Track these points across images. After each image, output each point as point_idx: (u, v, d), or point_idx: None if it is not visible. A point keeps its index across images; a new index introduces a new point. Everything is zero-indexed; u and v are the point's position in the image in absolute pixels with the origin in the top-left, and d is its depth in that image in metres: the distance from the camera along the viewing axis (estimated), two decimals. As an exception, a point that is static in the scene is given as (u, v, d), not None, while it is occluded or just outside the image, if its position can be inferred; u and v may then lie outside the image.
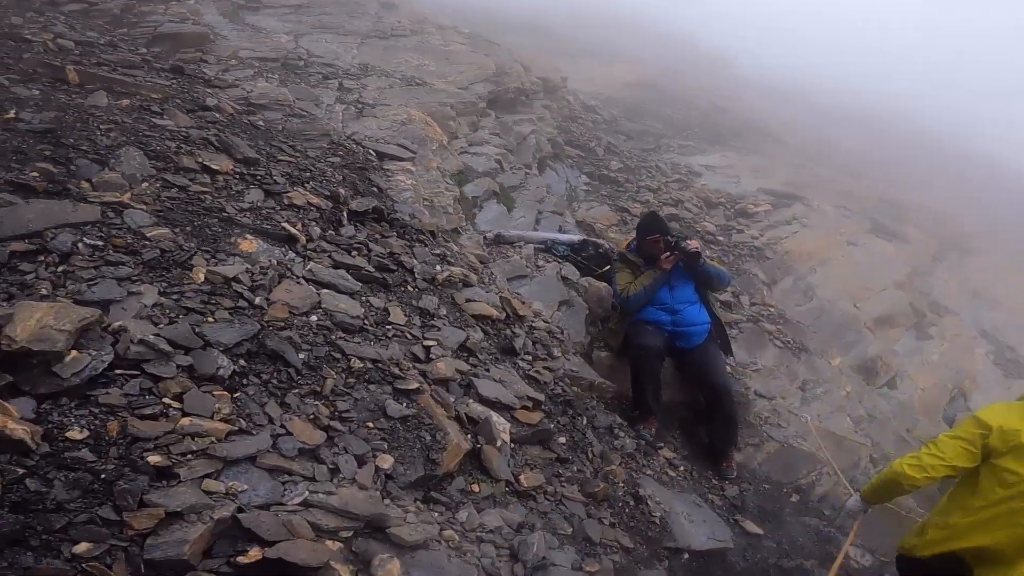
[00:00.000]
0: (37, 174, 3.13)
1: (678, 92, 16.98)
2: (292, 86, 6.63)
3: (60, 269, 2.70)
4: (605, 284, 5.50)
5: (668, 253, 4.85)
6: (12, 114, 3.55)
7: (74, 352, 2.28)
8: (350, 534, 2.23)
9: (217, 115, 4.74)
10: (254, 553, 2.00)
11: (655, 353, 4.70)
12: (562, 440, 3.68)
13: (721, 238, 8.80)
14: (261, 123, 5.08)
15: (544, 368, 4.15)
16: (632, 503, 3.73)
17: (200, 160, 3.92)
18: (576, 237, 6.47)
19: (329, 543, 2.15)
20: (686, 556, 3.74)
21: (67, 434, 2.06)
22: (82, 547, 1.85)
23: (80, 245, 2.83)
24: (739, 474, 4.97)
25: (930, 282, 10.08)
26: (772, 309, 7.50)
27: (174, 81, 5.19)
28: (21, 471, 1.91)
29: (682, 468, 4.55)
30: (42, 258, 2.71)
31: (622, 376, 4.91)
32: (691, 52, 23.40)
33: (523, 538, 2.75)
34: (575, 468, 3.56)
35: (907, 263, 9.98)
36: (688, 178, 10.64)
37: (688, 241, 4.91)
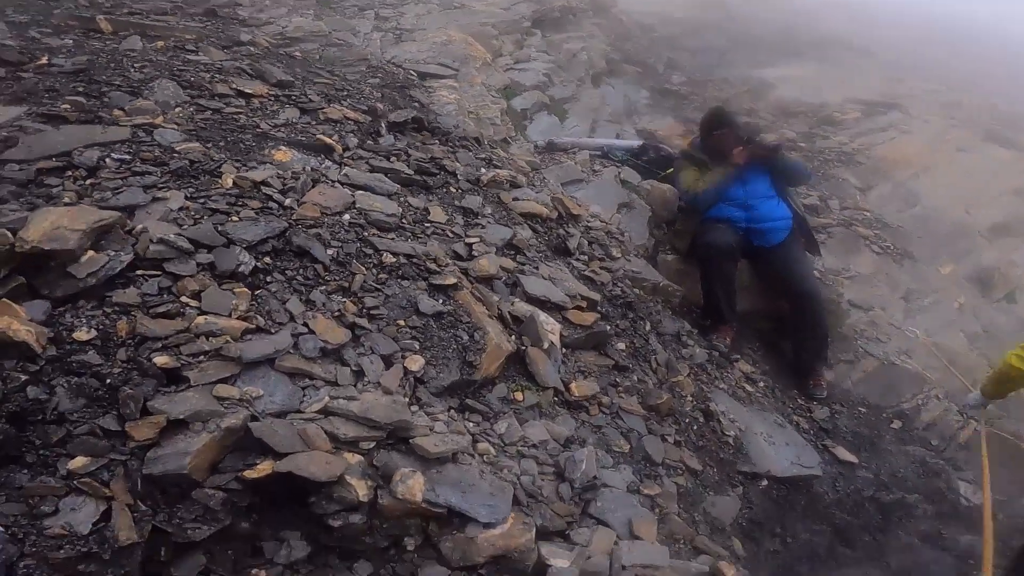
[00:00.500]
0: (68, 106, 3.11)
1: (746, 10, 15.68)
2: (328, 19, 6.54)
3: (87, 182, 2.66)
4: (670, 186, 5.13)
5: (740, 147, 4.45)
6: (44, 59, 3.54)
7: (91, 252, 2.23)
8: (371, 445, 2.08)
9: (252, 48, 4.67)
10: (263, 467, 1.88)
11: (727, 252, 4.34)
12: (621, 346, 3.42)
13: (803, 144, 8.13)
14: (298, 54, 4.98)
15: (601, 268, 3.86)
16: (701, 419, 3.45)
17: (234, 86, 3.87)
18: (635, 142, 6.09)
19: (348, 455, 2.00)
20: (764, 483, 3.46)
21: (74, 335, 2.00)
22: (78, 462, 1.78)
23: (107, 160, 2.79)
24: (830, 394, 4.58)
25: None
26: (867, 213, 6.87)
27: (208, 23, 5.16)
28: (24, 377, 1.86)
29: (762, 384, 4.23)
30: (69, 173, 2.67)
31: (692, 281, 4.59)
32: None
33: (571, 454, 2.52)
34: (635, 378, 3.29)
35: None
36: (761, 89, 9.91)
37: (764, 134, 4.49)
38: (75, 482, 1.77)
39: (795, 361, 4.62)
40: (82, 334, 2.01)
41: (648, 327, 3.78)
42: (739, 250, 4.44)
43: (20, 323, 1.93)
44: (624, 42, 10.69)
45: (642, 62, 9.89)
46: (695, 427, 3.37)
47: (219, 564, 1.92)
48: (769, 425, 3.80)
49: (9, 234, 2.12)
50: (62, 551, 1.69)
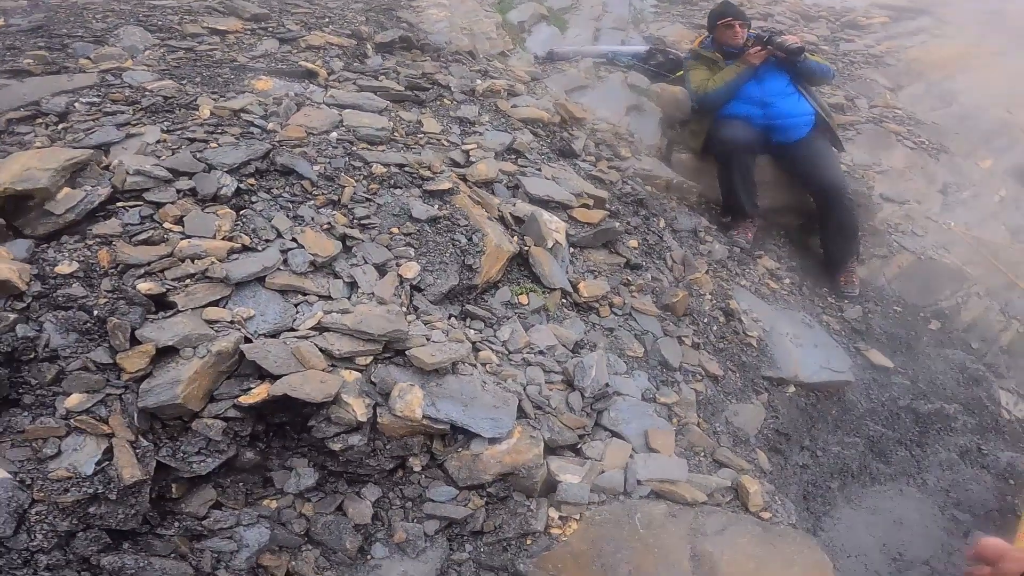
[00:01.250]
0: (31, 60, 3.09)
1: None
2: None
3: (59, 127, 2.67)
4: (681, 87, 4.96)
5: (758, 47, 4.25)
6: (1, 21, 3.51)
7: (67, 189, 2.24)
8: (368, 360, 2.06)
9: (220, -13, 4.53)
10: (258, 391, 1.88)
11: (744, 146, 4.21)
12: (633, 243, 3.34)
13: (826, 47, 7.77)
14: (272, -13, 4.82)
15: (610, 167, 3.78)
16: (722, 319, 3.34)
17: (206, 25, 3.82)
18: (642, 47, 5.87)
19: (344, 372, 1.99)
20: (792, 389, 3.33)
21: (56, 269, 2.01)
22: (73, 400, 1.79)
23: (77, 104, 2.79)
24: (863, 292, 4.41)
25: None
26: (899, 111, 6.58)
27: None
28: (12, 316, 1.87)
29: (788, 281, 4.11)
30: (39, 120, 2.69)
31: (708, 179, 4.46)
32: None
33: (580, 360, 2.47)
34: (649, 276, 3.21)
35: None
36: None
37: (785, 36, 4.29)
38: (73, 421, 1.78)
39: (824, 257, 4.49)
40: (64, 267, 2.02)
41: (662, 224, 3.70)
42: (757, 144, 4.30)
43: (2, 262, 1.95)
44: (623, -55, 10.28)
45: (644, -32, 9.48)
46: (715, 328, 3.27)
47: (230, 497, 1.95)
48: (796, 325, 3.67)
49: (-18, 180, 2.13)
50: (69, 494, 1.71)
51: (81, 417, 1.80)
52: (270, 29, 3.96)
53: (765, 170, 4.50)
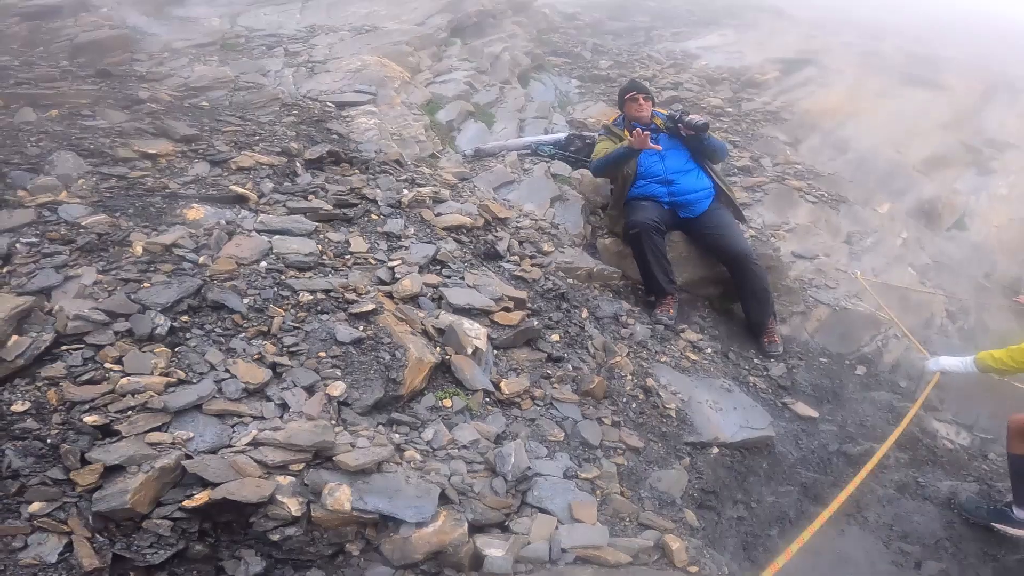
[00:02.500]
0: None
1: None
2: (234, 63, 6.88)
3: (3, 270, 2.95)
4: None
5: (640, 131, 4.82)
6: None
7: (15, 337, 2.55)
8: (300, 467, 2.39)
9: (154, 105, 4.95)
10: (200, 496, 2.20)
11: (651, 227, 4.70)
12: (555, 338, 3.74)
13: (730, 109, 8.70)
14: (205, 103, 5.28)
15: (532, 265, 4.21)
16: (642, 396, 3.74)
17: (137, 148, 4.15)
18: (561, 135, 6.50)
19: (279, 478, 2.32)
20: (715, 450, 3.68)
21: (12, 408, 2.33)
22: (35, 506, 2.12)
23: (17, 245, 3.10)
24: (787, 349, 4.88)
25: (981, 122, 9.70)
26: (798, 166, 7.37)
27: (103, 84, 5.43)
28: None
29: (709, 350, 4.54)
30: (-15, 264, 2.97)
31: (632, 261, 4.92)
32: None
33: (499, 449, 2.81)
34: (570, 366, 3.61)
35: (950, 107, 9.73)
36: (685, 61, 10.74)
37: (692, 116, 4.90)
38: (36, 522, 2.11)
39: (747, 321, 4.98)
40: (18, 407, 2.35)
41: (584, 314, 4.11)
42: (664, 224, 4.80)
43: None
44: (550, 34, 11.31)
45: (569, 52, 10.47)
46: (634, 405, 3.65)
47: (186, 585, 2.23)
48: (715, 391, 4.08)
49: (-65, 332, 2.42)
50: (36, 579, 2.01)
51: (43, 519, 2.12)
52: (200, 151, 4.31)
53: (679, 247, 5.01)
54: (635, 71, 9.76)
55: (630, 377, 3.83)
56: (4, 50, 6.58)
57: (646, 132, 4.78)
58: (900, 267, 6.29)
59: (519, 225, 4.71)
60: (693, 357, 4.38)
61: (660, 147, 4.85)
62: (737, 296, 5.01)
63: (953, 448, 4.37)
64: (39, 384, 2.45)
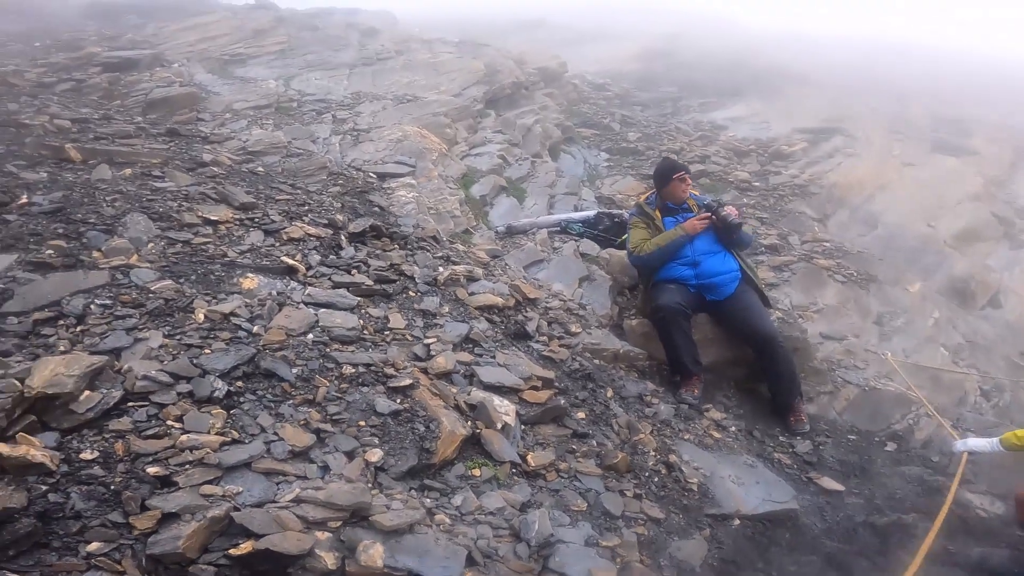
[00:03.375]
0: (52, 251, 3.81)
1: (688, 56, 17.50)
2: (287, 128, 7.40)
3: (78, 329, 3.29)
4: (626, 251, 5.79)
5: (704, 216, 5.06)
6: (25, 199, 4.29)
7: (87, 392, 2.85)
8: (338, 524, 2.61)
9: (216, 169, 5.43)
10: (245, 546, 2.42)
11: (677, 310, 4.90)
12: (580, 415, 3.96)
13: (758, 183, 9.01)
14: (260, 169, 5.74)
15: (560, 346, 4.48)
16: (664, 471, 3.91)
17: (201, 214, 4.57)
18: (590, 213, 6.84)
19: (318, 533, 2.53)
20: (736, 522, 3.80)
21: (81, 456, 2.60)
22: (94, 546, 2.33)
23: (92, 306, 3.44)
24: (814, 427, 5.01)
25: (1013, 190, 9.87)
26: (827, 244, 7.55)
27: (171, 143, 5.96)
28: (45, 487, 2.44)
29: (733, 428, 4.70)
30: (61, 322, 3.31)
31: (658, 342, 5.13)
32: (692, 18, 24.00)
33: (524, 516, 3.01)
34: (595, 442, 3.81)
35: (980, 174, 9.88)
36: (712, 133, 11.09)
37: (727, 208, 5.11)
38: (93, 560, 2.31)
39: (772, 401, 5.13)
40: (87, 455, 2.61)
41: (609, 393, 4.34)
42: (691, 306, 5.03)
43: (36, 450, 2.53)
44: (580, 105, 11.92)
45: (598, 123, 11.00)
46: (656, 479, 3.83)
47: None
48: (738, 467, 4.23)
49: (17, 383, 2.73)
50: (91, 613, 2.22)
51: (100, 558, 2.32)
52: (256, 220, 4.72)
53: (705, 328, 5.22)
54: (663, 143, 10.17)
55: (653, 453, 4.01)
56: (86, 102, 7.26)
57: (703, 220, 5.04)
58: (932, 347, 6.41)
59: (548, 306, 5.00)
60: (717, 435, 4.54)
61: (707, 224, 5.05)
62: (763, 376, 5.18)
63: (986, 517, 4.38)
64: (106, 436, 2.72)
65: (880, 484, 4.56)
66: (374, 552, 2.53)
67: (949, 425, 5.13)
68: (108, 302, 3.49)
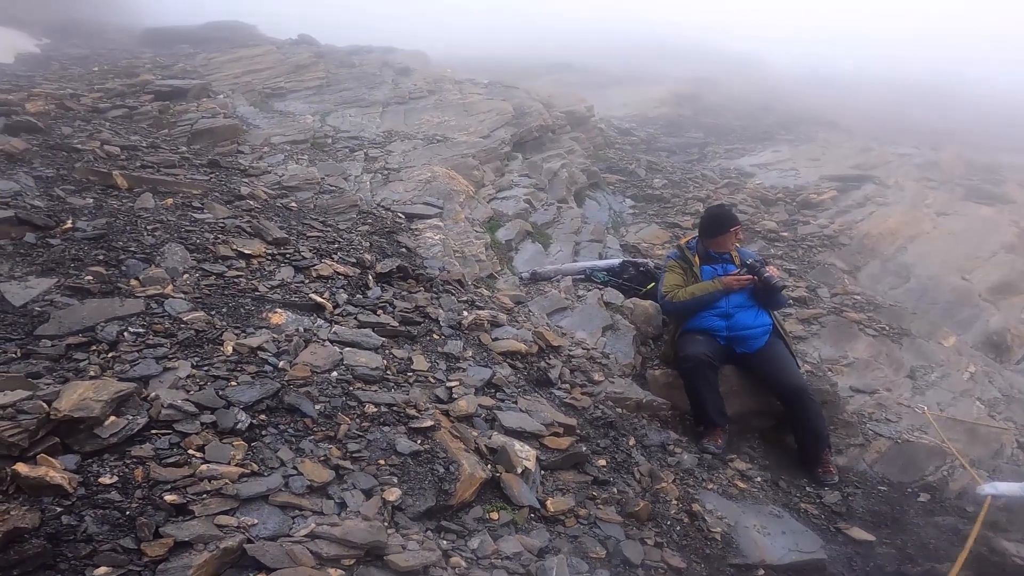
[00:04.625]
0: (91, 277, 3.88)
1: (715, 100, 17.54)
2: (320, 164, 7.54)
3: (109, 355, 3.33)
4: (652, 302, 5.75)
5: (747, 276, 5.00)
6: (70, 223, 4.40)
7: (113, 417, 2.86)
8: (352, 562, 2.56)
9: (252, 203, 5.53)
10: None
11: (705, 362, 4.84)
12: (601, 462, 3.89)
13: (786, 233, 8.93)
14: (293, 204, 5.84)
15: (582, 394, 4.44)
16: (687, 519, 3.83)
17: (235, 247, 4.64)
18: (615, 261, 6.81)
19: (331, 570, 2.48)
20: (761, 572, 3.73)
21: (99, 480, 2.59)
22: (101, 570, 2.30)
23: (125, 334, 3.48)
24: (844, 478, 4.91)
25: None
26: (857, 297, 7.43)
27: (212, 175, 6.11)
28: (59, 509, 2.44)
29: (759, 479, 4.61)
30: (93, 347, 3.36)
31: (682, 393, 5.06)
32: (721, 60, 24.29)
33: (542, 563, 2.94)
34: (615, 490, 3.74)
35: (1015, 224, 9.65)
36: (739, 180, 11.05)
37: (770, 269, 5.05)
38: None
39: (799, 452, 5.02)
40: (106, 479, 2.61)
41: (632, 442, 4.28)
42: (718, 358, 4.96)
43: (55, 471, 2.53)
44: (606, 150, 12.00)
45: (623, 168, 11.04)
46: (678, 528, 3.75)
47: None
48: (763, 517, 4.13)
49: (45, 405, 2.76)
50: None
51: None
52: (287, 256, 4.79)
53: (731, 380, 5.14)
54: (689, 191, 10.16)
55: (675, 502, 3.93)
56: (136, 129, 7.48)
57: (744, 280, 5.00)
58: (968, 401, 6.24)
59: (571, 353, 4.97)
60: (742, 485, 4.45)
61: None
62: (789, 428, 5.07)
63: (1023, 564, 4.21)
64: (127, 461, 2.71)
65: (912, 534, 4.45)
66: (387, 591, 2.49)
67: (975, 471, 5.02)
68: (141, 330, 3.53)
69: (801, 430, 4.94)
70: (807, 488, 4.76)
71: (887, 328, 6.93)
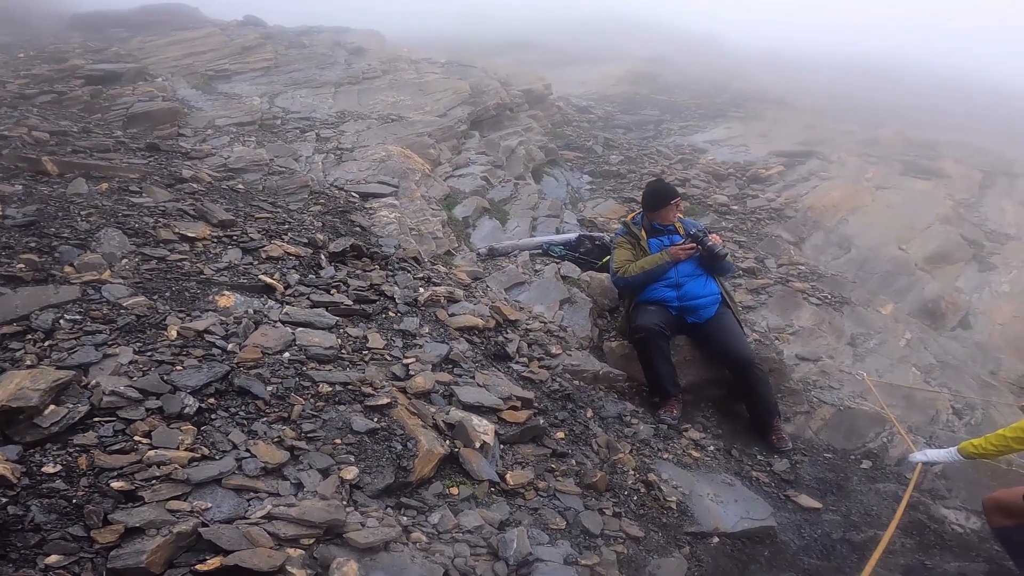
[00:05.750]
0: (23, 265, 3.68)
1: (671, 78, 17.84)
2: (269, 145, 7.31)
3: (45, 344, 3.17)
4: (608, 275, 5.76)
5: (691, 244, 5.04)
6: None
7: (52, 407, 2.73)
8: (311, 542, 2.50)
9: (195, 185, 5.33)
10: (213, 561, 2.31)
11: (657, 332, 4.87)
12: (559, 435, 3.88)
13: (736, 207, 9.11)
14: (240, 186, 5.65)
15: (540, 367, 4.42)
16: (643, 489, 3.85)
17: (178, 231, 4.46)
18: (571, 235, 6.82)
19: (290, 550, 2.42)
20: (715, 540, 3.77)
21: (43, 469, 2.48)
22: (53, 558, 2.22)
23: (61, 321, 3.32)
24: (793, 447, 5.00)
25: (981, 212, 10.19)
26: (802, 267, 7.63)
27: (151, 159, 5.86)
28: (4, 500, 2.33)
29: (712, 448, 4.66)
30: (29, 336, 3.19)
31: (638, 364, 5.09)
32: (677, 39, 24.71)
33: (503, 535, 2.91)
34: (574, 461, 3.73)
35: (950, 197, 10.13)
36: (692, 156, 11.27)
37: (712, 237, 5.10)
38: (52, 573, 2.19)
39: (751, 421, 5.12)
40: (49, 468, 2.50)
41: (589, 414, 4.28)
42: (671, 328, 5.00)
43: None
44: (564, 127, 12.04)
45: (581, 145, 11.09)
46: (635, 498, 3.76)
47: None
48: (716, 485, 4.19)
49: (-21, 396, 2.62)
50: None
51: (59, 571, 2.19)
52: (235, 238, 4.62)
53: (684, 350, 5.19)
54: (644, 167, 10.27)
55: (632, 472, 3.94)
56: (66, 114, 7.13)
57: (689, 249, 5.02)
58: (904, 367, 6.45)
59: (528, 327, 4.95)
60: (696, 454, 4.49)
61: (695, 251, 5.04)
62: (741, 397, 5.16)
63: (962, 532, 4.44)
64: (70, 450, 2.61)
65: (856, 501, 4.58)
66: (348, 569, 2.42)
67: (911, 439, 5.19)
68: (78, 317, 3.38)
69: (751, 401, 5.04)
70: (758, 456, 4.85)
71: (829, 297, 7.11)
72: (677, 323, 5.08)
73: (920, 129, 13.91)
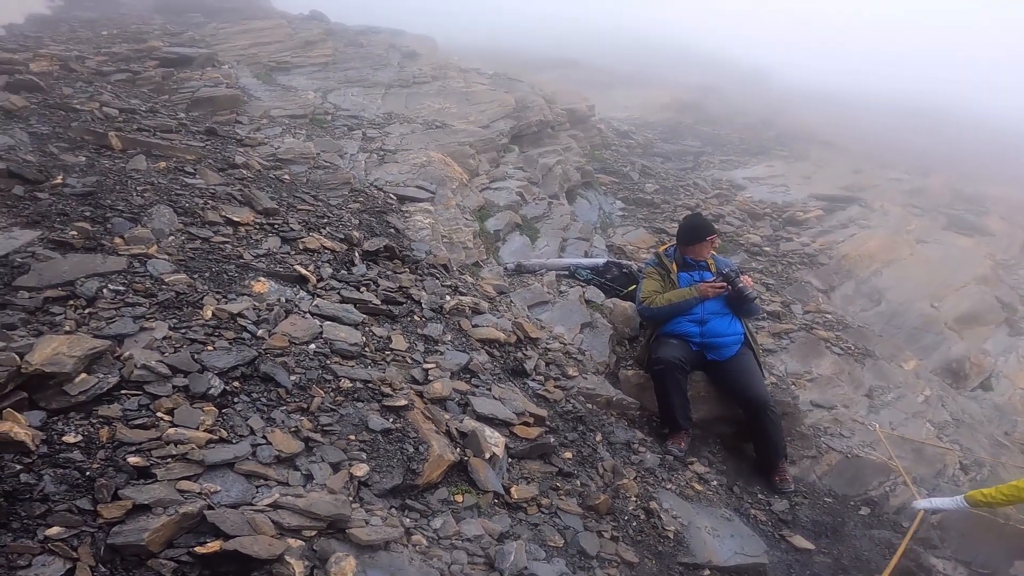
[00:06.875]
0: (76, 232, 3.72)
1: (715, 110, 17.40)
2: (318, 139, 7.33)
3: (86, 311, 3.20)
4: (631, 303, 5.69)
5: (721, 284, 4.95)
6: (59, 179, 4.24)
7: (83, 375, 2.74)
8: (313, 533, 2.47)
9: (245, 172, 5.38)
10: (213, 545, 2.28)
11: (677, 365, 4.80)
12: (568, 455, 3.83)
13: (768, 248, 8.91)
14: (286, 176, 5.69)
15: (555, 387, 4.38)
16: (643, 516, 3.79)
17: (224, 214, 4.49)
18: (599, 260, 6.75)
19: (291, 540, 2.39)
20: (707, 572, 3.71)
21: (63, 438, 2.48)
22: (53, 530, 2.19)
23: (105, 291, 3.35)
24: (796, 488, 4.94)
25: (1021, 274, 9.68)
26: (828, 316, 7.45)
27: (208, 142, 5.93)
28: (19, 467, 2.32)
29: (715, 483, 4.60)
30: (71, 302, 3.22)
31: (652, 394, 5.02)
32: (726, 69, 24.24)
33: (501, 547, 2.87)
34: (579, 482, 3.68)
35: (990, 256, 9.77)
36: (729, 192, 10.99)
37: (743, 279, 5.01)
38: (49, 544, 2.16)
39: (757, 460, 5.03)
40: (70, 438, 2.49)
41: (599, 437, 4.22)
42: (690, 363, 4.92)
43: (20, 427, 2.41)
44: (602, 150, 11.84)
45: (617, 171, 10.90)
46: (634, 524, 3.69)
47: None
48: (715, 519, 4.12)
49: (17, 357, 2.63)
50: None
51: (56, 543, 2.16)
52: (276, 226, 4.64)
53: (699, 385, 5.11)
54: (679, 198, 10.09)
55: (634, 498, 3.88)
56: (137, 93, 7.24)
57: (718, 288, 4.93)
58: (918, 422, 6.29)
59: (548, 347, 4.90)
60: (698, 487, 4.42)
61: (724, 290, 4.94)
62: (750, 437, 5.06)
63: None
64: (93, 420, 2.60)
65: (850, 545, 4.52)
66: (345, 565, 2.39)
67: (915, 488, 5.09)
68: (121, 288, 3.40)
69: (761, 441, 4.94)
70: (759, 495, 4.78)
71: (852, 348, 6.94)
72: (697, 359, 5.00)
73: (971, 181, 13.40)
